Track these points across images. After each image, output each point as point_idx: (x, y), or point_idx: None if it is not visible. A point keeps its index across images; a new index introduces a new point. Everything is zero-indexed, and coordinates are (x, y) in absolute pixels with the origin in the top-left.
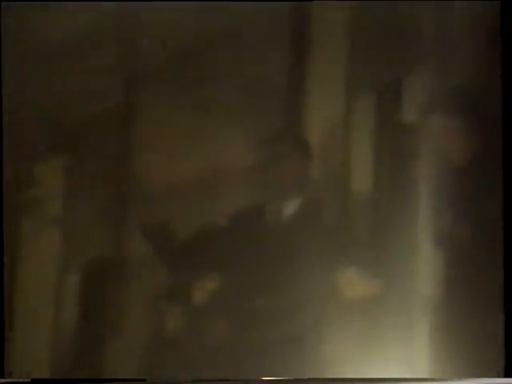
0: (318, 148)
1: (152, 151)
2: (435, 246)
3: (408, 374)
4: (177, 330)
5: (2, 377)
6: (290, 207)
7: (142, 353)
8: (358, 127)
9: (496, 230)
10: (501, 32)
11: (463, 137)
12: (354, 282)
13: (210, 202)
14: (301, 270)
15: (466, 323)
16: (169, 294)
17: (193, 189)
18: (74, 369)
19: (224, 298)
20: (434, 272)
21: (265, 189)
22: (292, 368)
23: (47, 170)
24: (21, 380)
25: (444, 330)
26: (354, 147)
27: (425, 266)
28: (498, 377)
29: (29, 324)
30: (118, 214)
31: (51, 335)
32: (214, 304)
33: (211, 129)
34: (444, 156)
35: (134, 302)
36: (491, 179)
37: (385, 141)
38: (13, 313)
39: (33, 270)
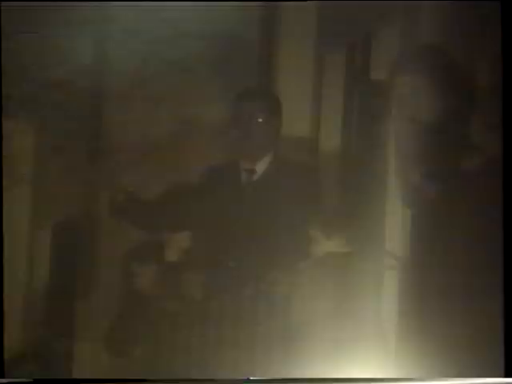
0: (288, 105)
1: (123, 108)
2: (403, 204)
3: (374, 329)
4: (149, 288)
5: (3, 377)
6: (261, 164)
7: (114, 310)
8: (328, 85)
9: (466, 187)
10: (501, 32)
11: (432, 95)
12: (323, 240)
13: (182, 158)
14: (272, 227)
15: (432, 278)
16: (141, 251)
17: (165, 145)
18: (46, 324)
19: (197, 255)
20: (402, 230)
21: (236, 146)
22: (265, 325)
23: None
24: (23, 380)
25: (411, 288)
26: (323, 105)
27: (394, 224)
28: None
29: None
30: (88, 172)
31: (23, 290)
32: (186, 262)
33: (184, 86)
34: (413, 114)
35: (106, 259)
36: (460, 136)
37: (354, 98)
38: None
39: (4, 227)
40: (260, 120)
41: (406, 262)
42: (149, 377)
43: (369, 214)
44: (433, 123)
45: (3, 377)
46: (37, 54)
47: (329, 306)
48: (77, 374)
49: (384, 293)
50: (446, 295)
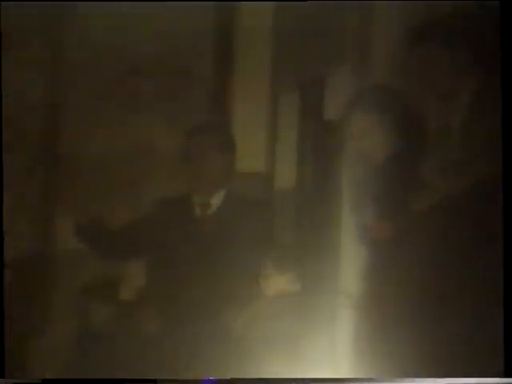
0: (242, 142)
1: (78, 138)
2: (358, 242)
3: (331, 371)
4: (106, 324)
5: (3, 377)
6: (215, 199)
7: (69, 350)
8: (282, 123)
9: (420, 225)
10: (500, 32)
11: (384, 135)
12: (275, 279)
13: (135, 191)
14: (225, 263)
15: (386, 316)
16: (96, 286)
17: (118, 177)
18: None
19: (151, 290)
20: (357, 269)
21: (190, 179)
22: (220, 363)
23: None
24: (32, 381)
25: (367, 327)
26: (278, 142)
27: (348, 262)
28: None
29: None
30: (44, 207)
31: None
32: (141, 296)
33: (137, 118)
34: (366, 153)
35: (61, 296)
36: (412, 176)
37: (308, 137)
38: None
39: None
40: (214, 154)
41: (360, 300)
42: None
43: (323, 252)
44: (385, 162)
45: (3, 377)
46: None
47: (283, 343)
48: None
49: (338, 331)
50: (402, 330)
